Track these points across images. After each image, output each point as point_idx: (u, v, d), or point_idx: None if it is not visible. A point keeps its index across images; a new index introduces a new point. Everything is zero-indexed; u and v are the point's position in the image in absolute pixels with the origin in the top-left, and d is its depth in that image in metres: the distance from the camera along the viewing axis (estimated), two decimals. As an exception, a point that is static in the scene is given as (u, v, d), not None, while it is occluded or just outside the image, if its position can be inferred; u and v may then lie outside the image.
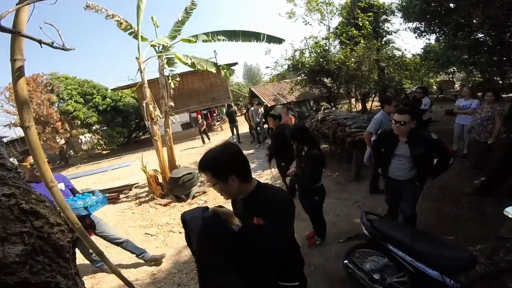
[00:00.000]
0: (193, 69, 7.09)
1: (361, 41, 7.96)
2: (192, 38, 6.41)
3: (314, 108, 11.42)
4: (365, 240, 2.06)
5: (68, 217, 1.58)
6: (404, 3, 9.97)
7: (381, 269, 1.99)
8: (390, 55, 8.75)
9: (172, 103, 7.06)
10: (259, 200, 1.20)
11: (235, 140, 10.54)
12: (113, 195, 6.48)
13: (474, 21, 7.74)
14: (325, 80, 10.23)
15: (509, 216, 1.57)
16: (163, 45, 6.47)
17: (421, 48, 12.36)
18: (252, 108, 9.64)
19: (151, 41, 6.27)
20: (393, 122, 2.38)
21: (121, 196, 6.55)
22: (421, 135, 2.38)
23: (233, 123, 10.58)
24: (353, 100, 11.08)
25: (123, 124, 17.25)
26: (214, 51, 17.28)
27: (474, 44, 8.01)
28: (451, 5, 8.43)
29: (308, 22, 10.23)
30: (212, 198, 5.48)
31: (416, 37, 10.62)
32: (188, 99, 16.43)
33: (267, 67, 10.19)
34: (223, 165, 1.13)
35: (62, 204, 1.59)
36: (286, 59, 9.78)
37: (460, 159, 4.77)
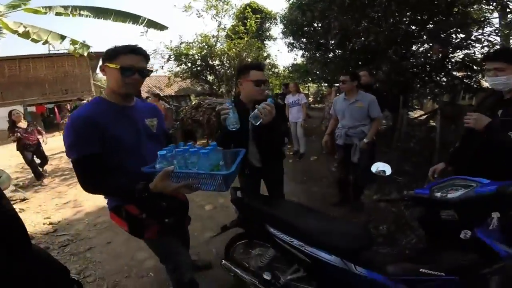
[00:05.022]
0: (42, 55, 5.52)
1: (245, 38, 8.21)
2: (41, 8, 5.01)
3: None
4: (241, 226, 1.59)
5: None
6: (285, 20, 11.10)
7: (270, 265, 1.55)
8: (269, 62, 9.64)
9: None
10: None
11: None
12: None
13: (332, 41, 9.47)
14: (209, 77, 9.91)
15: (379, 172, 1.48)
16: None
17: (291, 63, 14.45)
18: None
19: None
20: None
21: None
22: None
23: None
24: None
25: None
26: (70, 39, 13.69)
27: (326, 61, 9.93)
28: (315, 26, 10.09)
29: (201, 15, 9.82)
30: (35, 205, 3.88)
31: (288, 51, 12.25)
32: (25, 88, 12.53)
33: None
34: None
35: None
36: (168, 48, 8.73)
37: (298, 160, 4.98)
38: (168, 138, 1.43)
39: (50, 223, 3.23)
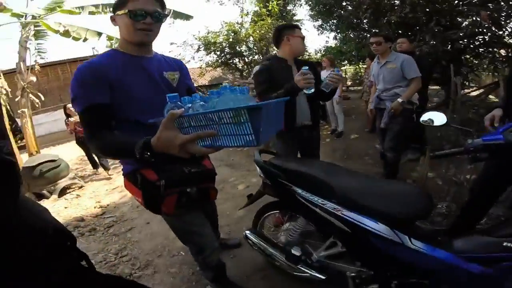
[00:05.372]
0: (89, 57, 6.31)
1: (268, 19, 8.01)
2: (75, 9, 5.40)
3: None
4: (266, 192, 1.39)
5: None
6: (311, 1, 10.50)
7: (301, 240, 1.37)
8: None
9: (34, 78, 5.84)
10: None
11: None
12: None
13: (364, 20, 8.71)
14: (238, 64, 9.87)
15: (428, 122, 1.18)
16: (33, 15, 5.38)
17: (323, 46, 13.64)
18: None
19: (14, 12, 5.07)
20: None
21: None
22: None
23: None
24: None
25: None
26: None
27: (361, 40, 9.13)
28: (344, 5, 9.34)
29: (223, 3, 9.91)
30: (90, 191, 4.21)
31: (318, 34, 11.66)
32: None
33: (171, 43, 8.99)
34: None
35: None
36: (196, 38, 8.89)
37: (336, 138, 4.64)
38: None
39: (100, 207, 3.50)
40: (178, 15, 6.11)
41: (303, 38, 1.76)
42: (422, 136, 3.19)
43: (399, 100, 2.21)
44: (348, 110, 6.23)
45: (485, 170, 1.49)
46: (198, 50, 9.06)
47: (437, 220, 1.78)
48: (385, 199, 1.00)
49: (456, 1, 4.64)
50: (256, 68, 1.76)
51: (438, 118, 1.17)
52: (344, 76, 18.68)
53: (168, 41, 10.24)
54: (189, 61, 9.36)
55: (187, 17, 6.29)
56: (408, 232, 0.94)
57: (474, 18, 4.47)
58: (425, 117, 1.18)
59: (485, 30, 4.40)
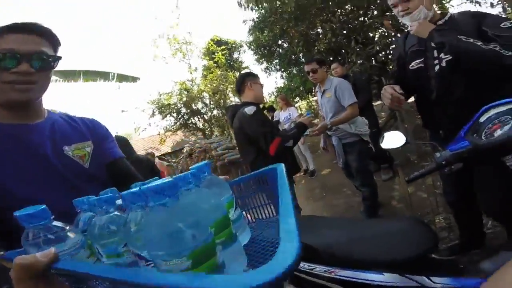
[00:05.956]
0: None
1: (217, 71, 8.36)
2: None
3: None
4: None
5: None
6: (252, 45, 11.40)
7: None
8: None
9: None
10: None
11: None
12: None
13: (300, 54, 9.65)
14: (198, 123, 9.86)
15: (388, 146, 1.14)
16: None
17: (274, 87, 14.64)
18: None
19: None
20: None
21: None
22: None
23: None
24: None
25: None
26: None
27: (303, 74, 10.02)
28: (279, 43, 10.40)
29: (167, 62, 10.13)
30: None
31: (267, 77, 12.47)
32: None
33: (122, 111, 8.68)
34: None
35: None
36: (148, 102, 8.77)
37: (310, 178, 4.53)
38: (129, 178, 0.84)
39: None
40: (123, 78, 5.82)
41: (262, 85, 1.86)
42: (386, 155, 3.22)
43: (327, 122, 2.11)
44: (313, 146, 6.34)
45: (444, 179, 1.46)
46: (153, 114, 8.79)
47: (443, 235, 1.67)
48: (382, 244, 0.86)
49: (362, 17, 5.38)
50: (251, 109, 1.68)
51: (398, 138, 1.14)
52: (301, 113, 19.91)
53: (119, 109, 9.41)
54: (145, 128, 9.01)
55: (133, 79, 6.02)
56: (423, 271, 0.79)
57: (381, 30, 5.20)
58: (384, 141, 1.13)
59: (393, 39, 5.08)
